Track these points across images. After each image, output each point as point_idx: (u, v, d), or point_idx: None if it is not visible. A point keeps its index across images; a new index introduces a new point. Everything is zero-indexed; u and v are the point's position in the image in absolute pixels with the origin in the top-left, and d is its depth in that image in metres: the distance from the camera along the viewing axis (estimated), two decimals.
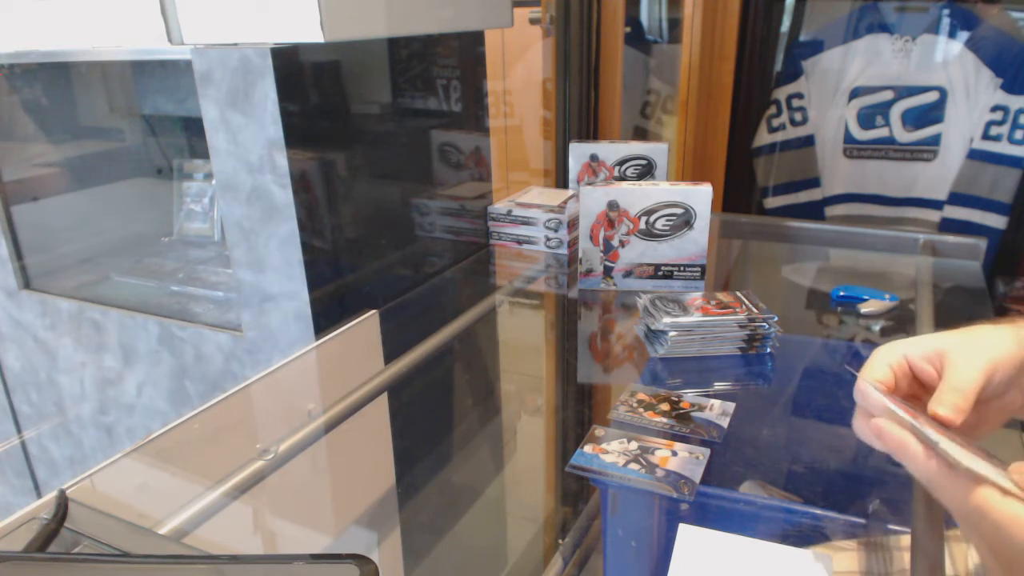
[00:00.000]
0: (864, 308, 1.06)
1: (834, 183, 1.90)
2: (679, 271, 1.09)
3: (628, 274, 1.10)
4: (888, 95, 1.79)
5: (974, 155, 1.72)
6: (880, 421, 0.47)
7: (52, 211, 1.56)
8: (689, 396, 0.77)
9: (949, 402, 0.49)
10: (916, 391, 0.55)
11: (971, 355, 0.51)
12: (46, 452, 1.60)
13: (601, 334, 1.08)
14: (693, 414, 0.73)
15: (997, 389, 0.52)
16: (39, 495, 1.07)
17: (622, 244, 1.08)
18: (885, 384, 0.55)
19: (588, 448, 0.67)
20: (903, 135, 1.80)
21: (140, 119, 1.69)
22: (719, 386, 0.83)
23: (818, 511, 0.58)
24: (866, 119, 1.82)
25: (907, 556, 0.59)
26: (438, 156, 1.28)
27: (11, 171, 1.46)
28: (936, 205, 1.80)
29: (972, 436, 0.54)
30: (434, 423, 0.90)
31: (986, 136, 1.70)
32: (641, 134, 2.06)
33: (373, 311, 1.07)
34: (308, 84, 0.99)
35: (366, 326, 1.05)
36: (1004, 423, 0.55)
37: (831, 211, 1.92)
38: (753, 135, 1.95)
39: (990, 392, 0.52)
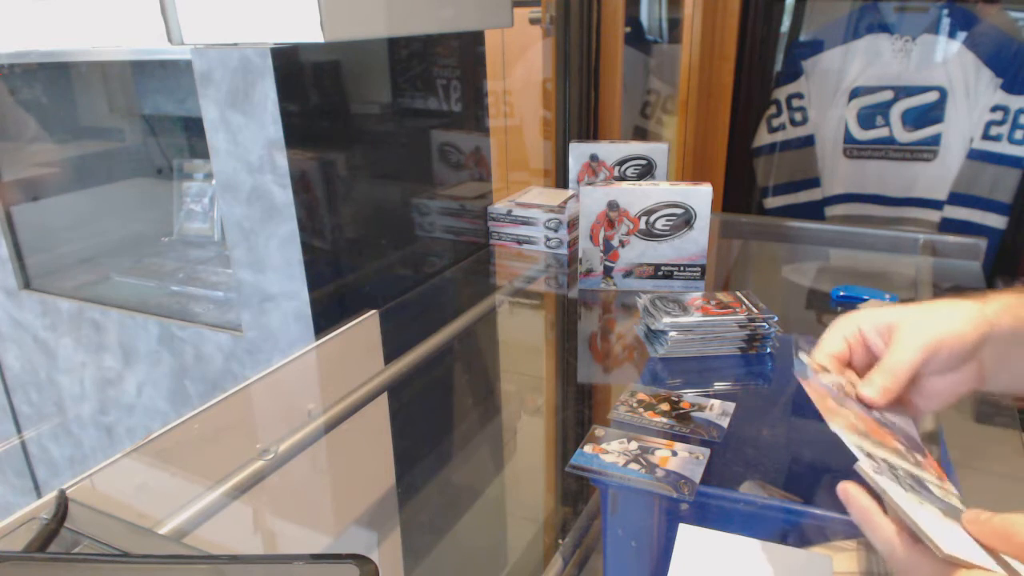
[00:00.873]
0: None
1: (834, 183, 1.90)
2: (679, 271, 1.09)
3: (628, 274, 1.10)
4: (888, 95, 1.79)
5: (974, 155, 1.72)
6: (847, 486, 0.44)
7: (52, 211, 1.56)
8: (689, 396, 0.77)
9: (877, 384, 0.52)
10: (870, 361, 0.56)
11: (913, 336, 0.52)
12: (46, 452, 1.60)
13: (601, 334, 1.08)
14: (693, 414, 0.73)
15: (944, 366, 0.53)
16: (39, 495, 1.07)
17: (622, 244, 1.08)
18: (839, 357, 0.57)
19: (588, 448, 0.67)
20: (903, 135, 1.80)
21: (140, 119, 1.69)
22: (719, 386, 0.83)
23: (818, 511, 0.58)
24: (866, 119, 1.82)
25: None
26: (438, 156, 1.28)
27: (11, 171, 1.46)
28: (936, 205, 1.80)
29: (930, 408, 0.56)
30: (434, 423, 0.90)
31: (986, 136, 1.70)
32: (641, 134, 2.06)
33: (373, 311, 1.07)
34: (308, 84, 0.99)
35: (366, 326, 1.05)
36: (965, 394, 0.55)
37: (831, 211, 1.92)
38: (753, 135, 1.95)
39: (935, 368, 0.53)
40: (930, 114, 1.76)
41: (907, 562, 0.41)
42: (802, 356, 0.60)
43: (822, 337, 0.58)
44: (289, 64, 0.94)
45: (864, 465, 0.44)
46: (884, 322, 0.56)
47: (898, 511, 0.41)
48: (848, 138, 1.85)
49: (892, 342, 0.54)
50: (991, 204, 1.72)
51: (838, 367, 0.57)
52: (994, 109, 1.68)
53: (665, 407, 0.75)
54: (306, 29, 0.84)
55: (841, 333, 0.58)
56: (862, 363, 0.58)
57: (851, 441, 0.46)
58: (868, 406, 0.53)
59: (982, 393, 0.58)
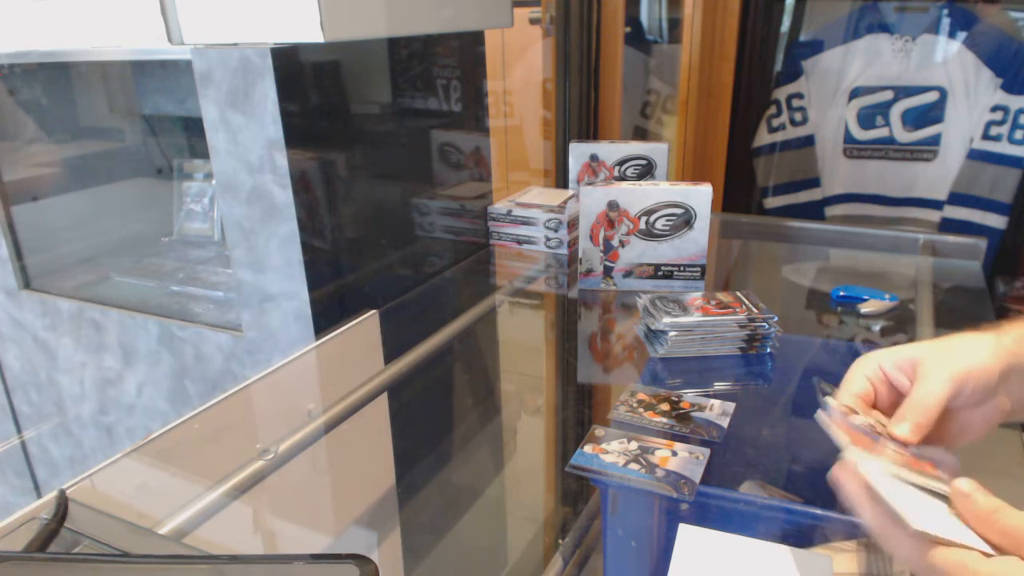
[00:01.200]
0: (864, 308, 1.06)
1: (834, 183, 1.90)
2: (679, 271, 1.09)
3: (628, 274, 1.10)
4: (888, 95, 1.79)
5: (974, 155, 1.72)
6: (838, 471, 0.45)
7: (52, 211, 1.56)
8: (689, 396, 0.77)
9: (909, 420, 0.51)
10: (895, 399, 0.55)
11: (939, 369, 0.52)
12: (46, 452, 1.60)
13: (601, 334, 1.08)
14: (693, 414, 0.73)
15: (971, 399, 0.52)
16: (39, 495, 1.07)
17: (622, 244, 1.08)
18: (864, 397, 0.56)
19: (588, 448, 0.67)
20: (903, 135, 1.80)
21: (140, 119, 1.69)
22: (719, 386, 0.83)
23: (818, 511, 0.58)
24: (866, 119, 1.82)
25: None
26: (438, 156, 1.28)
27: (11, 171, 1.46)
28: (936, 205, 1.80)
29: (961, 443, 0.55)
30: (434, 423, 0.90)
31: (986, 136, 1.70)
32: (641, 134, 2.06)
33: (373, 311, 1.07)
34: (308, 84, 0.99)
35: (366, 326, 1.05)
36: (995, 427, 0.55)
37: (831, 211, 1.92)
38: (753, 135, 1.95)
39: (964, 402, 0.52)
40: (930, 114, 1.76)
41: (889, 539, 0.42)
42: (828, 400, 0.58)
43: (844, 379, 0.58)
44: (289, 64, 0.94)
45: (849, 454, 0.45)
46: (906, 358, 0.55)
47: (876, 489, 0.42)
48: (848, 138, 1.85)
49: (918, 377, 0.53)
50: (991, 204, 1.72)
51: (864, 409, 0.56)
52: (994, 109, 1.68)
53: (665, 407, 0.75)
54: (306, 29, 0.84)
55: (862, 372, 0.57)
56: (886, 402, 0.57)
57: (880, 468, 0.46)
58: (903, 444, 0.52)
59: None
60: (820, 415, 0.56)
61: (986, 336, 0.53)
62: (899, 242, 1.34)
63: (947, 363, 0.52)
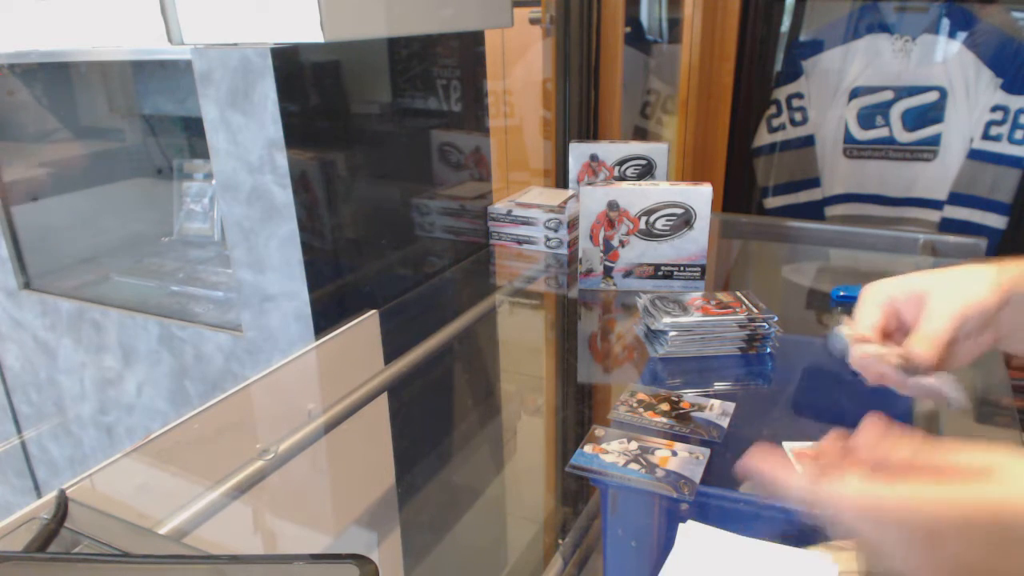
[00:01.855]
0: None
1: (834, 183, 1.90)
2: (679, 271, 1.09)
3: (628, 274, 1.10)
4: (888, 95, 1.79)
5: (974, 155, 1.72)
6: (750, 458, 0.46)
7: (52, 211, 1.56)
8: (689, 396, 0.77)
9: (924, 344, 0.56)
10: (900, 325, 0.60)
11: (945, 304, 0.56)
12: (46, 452, 1.60)
13: (601, 334, 1.08)
14: (693, 414, 0.73)
15: (969, 331, 0.56)
16: (39, 495, 1.07)
17: (622, 244, 1.08)
18: (878, 328, 0.60)
19: (588, 448, 0.67)
20: (903, 135, 1.80)
21: (140, 119, 1.69)
22: (719, 386, 0.83)
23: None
24: (866, 119, 1.82)
25: None
26: (438, 156, 1.28)
27: (11, 171, 1.46)
28: (936, 205, 1.80)
29: (949, 368, 0.59)
30: (434, 423, 0.90)
31: (986, 136, 1.70)
32: (641, 134, 2.06)
33: (373, 311, 1.07)
34: (308, 84, 0.99)
35: (366, 326, 1.05)
36: (980, 356, 0.59)
37: (831, 211, 1.92)
38: (753, 135, 1.95)
39: (963, 334, 0.56)
40: (930, 114, 1.76)
41: (827, 490, 0.41)
42: (842, 330, 0.62)
43: (857, 310, 0.61)
44: (289, 64, 0.94)
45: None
46: (914, 291, 0.58)
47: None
48: (848, 138, 1.85)
49: (924, 311, 0.57)
50: (991, 204, 1.72)
51: (879, 340, 0.60)
52: (994, 109, 1.68)
53: (665, 407, 0.75)
54: (306, 29, 0.84)
55: (874, 303, 0.60)
56: (892, 331, 0.61)
57: None
58: (913, 370, 0.55)
59: (982, 392, 0.60)
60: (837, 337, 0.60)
61: (987, 270, 0.56)
62: (899, 242, 1.34)
63: (950, 299, 0.56)
